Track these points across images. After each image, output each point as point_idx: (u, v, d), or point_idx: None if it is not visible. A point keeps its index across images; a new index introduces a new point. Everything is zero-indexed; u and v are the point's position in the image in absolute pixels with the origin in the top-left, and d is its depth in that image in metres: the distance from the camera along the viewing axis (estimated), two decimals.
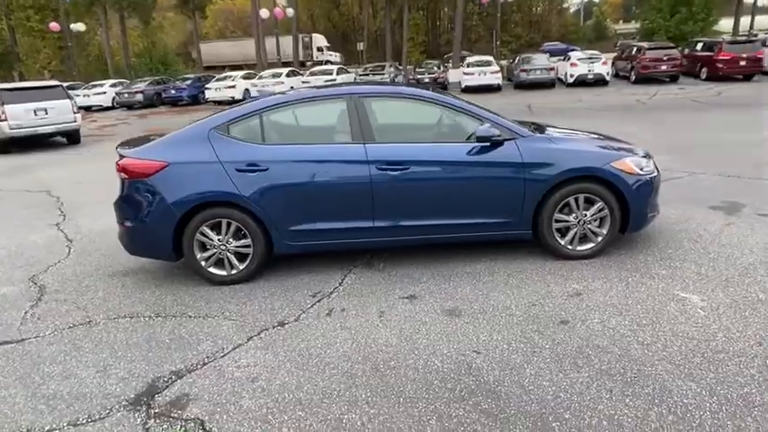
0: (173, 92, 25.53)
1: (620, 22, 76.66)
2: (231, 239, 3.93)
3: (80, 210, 6.57)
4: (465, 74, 22.98)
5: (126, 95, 25.40)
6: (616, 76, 23.35)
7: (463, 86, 22.66)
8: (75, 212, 6.46)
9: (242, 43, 46.51)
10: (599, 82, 21.55)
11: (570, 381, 2.52)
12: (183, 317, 3.54)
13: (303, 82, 23.91)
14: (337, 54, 49.57)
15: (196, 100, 25.43)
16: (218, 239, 3.92)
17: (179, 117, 19.43)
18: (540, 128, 4.38)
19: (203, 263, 3.97)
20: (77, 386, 2.78)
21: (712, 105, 14.03)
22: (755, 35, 25.17)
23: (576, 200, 3.91)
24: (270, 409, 2.49)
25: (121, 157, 3.96)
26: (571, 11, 68.13)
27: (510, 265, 3.99)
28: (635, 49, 22.30)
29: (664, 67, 20.45)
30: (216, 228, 3.91)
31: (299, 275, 4.08)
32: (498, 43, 39.46)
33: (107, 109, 25.68)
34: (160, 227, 3.88)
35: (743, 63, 19.45)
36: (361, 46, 47.86)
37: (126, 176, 3.90)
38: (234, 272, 4.00)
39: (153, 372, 2.88)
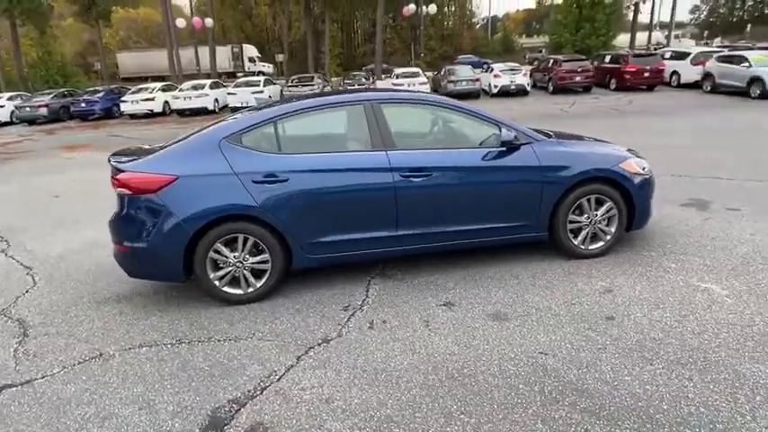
0: (83, 105, 23.49)
1: (524, 36, 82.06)
2: (247, 255, 3.68)
3: (23, 233, 5.85)
4: (395, 84, 23.34)
5: (28, 109, 23.04)
6: (534, 86, 24.84)
7: None
8: (18, 236, 5.74)
9: (158, 54, 44.34)
10: (520, 92, 22.82)
11: (649, 373, 2.60)
12: (210, 341, 3.25)
13: (229, 93, 23.09)
14: (270, 65, 48.64)
15: (110, 113, 23.60)
16: (234, 256, 3.65)
17: (94, 131, 18.01)
18: (544, 133, 4.54)
19: (217, 282, 3.68)
20: (125, 427, 2.44)
21: (628, 113, 15.31)
22: (656, 49, 27.81)
23: (589, 200, 4.08)
24: (362, 429, 2.34)
25: (119, 170, 3.58)
26: (478, 26, 71.83)
27: (529, 267, 4.07)
28: (551, 61, 23.89)
29: (578, 79, 22.04)
30: (230, 244, 3.64)
31: (317, 290, 3.90)
32: (414, 56, 40.68)
33: (5, 124, 23.17)
34: (169, 246, 3.55)
35: (647, 74, 21.48)
36: (280, 57, 47.28)
37: (129, 192, 3.53)
38: (251, 290, 3.74)
39: (208, 402, 2.61)
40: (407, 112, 4.09)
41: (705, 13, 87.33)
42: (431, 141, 4.08)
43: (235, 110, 21.39)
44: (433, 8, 32.67)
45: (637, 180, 4.14)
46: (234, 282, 3.72)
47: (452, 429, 2.31)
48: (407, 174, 3.74)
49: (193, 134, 3.94)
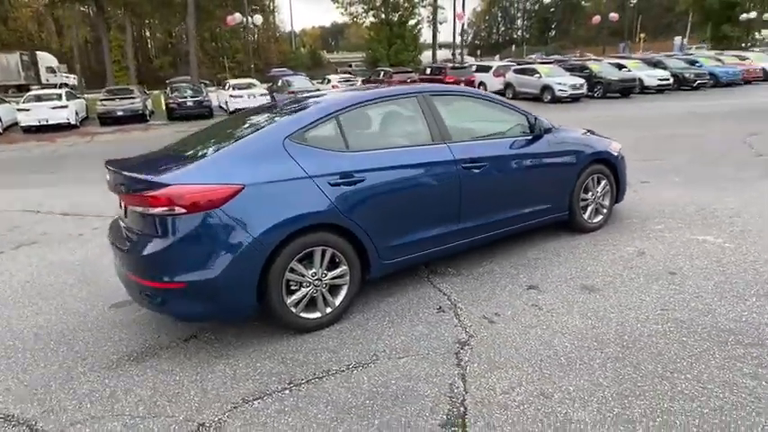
0: None
1: (325, 51, 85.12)
2: (325, 271, 3.22)
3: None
4: (232, 96, 22.15)
5: None
6: None
7: (232, 109, 21.83)
8: None
9: None
10: None
11: (752, 305, 3.09)
12: (333, 374, 2.77)
13: (19, 110, 19.03)
14: (74, 76, 41.25)
15: None
16: (311, 274, 3.16)
17: None
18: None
19: (293, 309, 3.13)
20: None
21: None
22: (467, 63, 31.30)
23: (593, 179, 4.56)
24: (601, 405, 2.28)
25: (159, 185, 2.80)
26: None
27: (554, 246, 4.36)
28: (382, 73, 25.37)
29: None
30: (304, 260, 3.14)
31: (377, 300, 3.58)
32: (228, 69, 39.16)
33: None
34: (243, 272, 2.92)
35: (463, 84, 24.28)
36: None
37: (182, 209, 2.78)
38: (329, 311, 3.28)
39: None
40: (452, 104, 4.03)
41: (471, 35, 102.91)
42: (476, 132, 4.07)
43: (27, 130, 17.81)
44: (258, 18, 31.84)
45: (619, 160, 4.76)
46: (310, 304, 3.21)
47: (679, 385, 2.41)
48: (468, 165, 3.70)
49: (240, 134, 3.31)
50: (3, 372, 3.01)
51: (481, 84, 25.66)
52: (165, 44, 57.86)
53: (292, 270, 3.08)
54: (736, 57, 25.19)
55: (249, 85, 22.93)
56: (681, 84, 22.24)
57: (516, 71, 23.44)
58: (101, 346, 3.25)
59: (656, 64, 23.53)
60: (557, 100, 20.43)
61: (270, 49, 61.34)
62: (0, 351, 3.25)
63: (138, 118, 20.19)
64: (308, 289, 3.16)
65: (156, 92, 28.05)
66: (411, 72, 25.14)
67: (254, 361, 2.95)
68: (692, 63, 23.63)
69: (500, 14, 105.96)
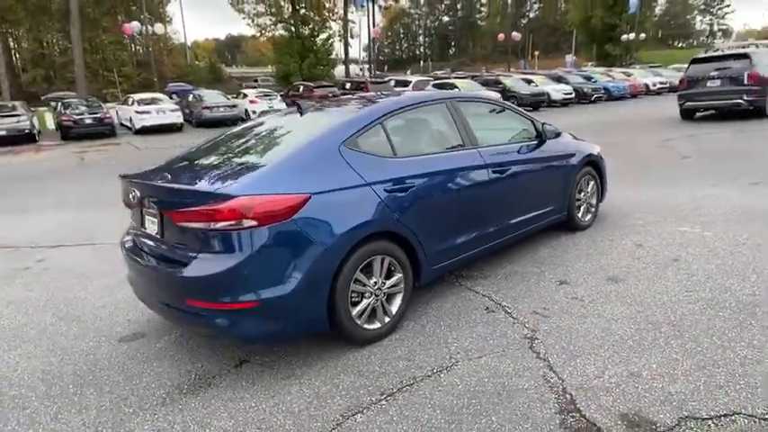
0: None
1: (224, 65, 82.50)
2: (384, 280, 3.19)
3: None
4: (138, 112, 20.80)
5: None
6: None
7: (138, 127, 20.51)
8: None
9: None
10: None
11: (753, 281, 3.54)
12: (424, 380, 2.75)
13: None
14: None
15: None
16: (372, 283, 3.12)
17: None
18: None
19: (358, 320, 3.07)
20: None
21: None
22: (387, 78, 31.79)
23: (585, 180, 4.92)
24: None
25: (225, 196, 2.64)
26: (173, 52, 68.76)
27: (559, 244, 4.65)
28: (301, 87, 25.17)
29: None
30: (365, 270, 3.10)
31: (424, 312, 3.60)
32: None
33: None
34: (316, 284, 2.83)
35: None
36: None
37: (254, 223, 2.64)
38: (387, 321, 3.25)
39: (552, 420, 2.31)
40: (472, 109, 4.14)
41: (375, 51, 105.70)
42: (494, 137, 4.22)
43: None
44: (160, 28, 30.16)
45: (602, 161, 5.19)
46: (371, 315, 3.16)
47: (741, 352, 2.70)
48: (496, 169, 3.86)
49: (286, 141, 3.22)
50: (29, 425, 2.63)
51: None
52: (35, 56, 52.34)
53: (356, 281, 3.02)
54: (623, 73, 28.19)
55: (154, 100, 21.63)
56: (581, 98, 24.45)
57: (435, 86, 24.39)
58: (137, 383, 2.96)
59: (558, 79, 25.65)
60: None
61: (163, 61, 57.98)
62: (8, 402, 2.84)
63: (25, 138, 18.37)
64: (370, 299, 3.11)
65: (41, 108, 25.52)
66: (332, 86, 25.20)
67: (329, 378, 2.84)
68: (589, 79, 26.07)
69: (402, 31, 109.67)
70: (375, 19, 39.54)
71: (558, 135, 4.53)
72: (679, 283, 3.64)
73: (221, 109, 22.10)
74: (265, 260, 2.67)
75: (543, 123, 4.47)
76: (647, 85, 27.05)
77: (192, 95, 23.87)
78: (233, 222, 2.62)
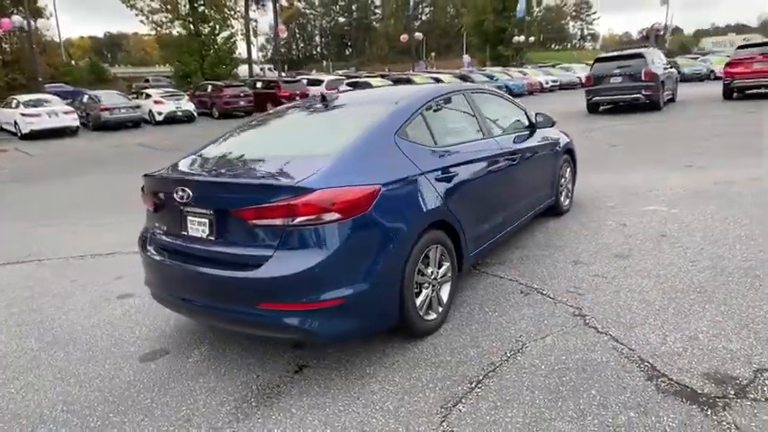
0: None
1: (108, 65, 75.96)
2: (438, 270, 3.19)
3: None
4: (25, 115, 18.58)
5: None
6: None
7: (26, 131, 18.36)
8: None
9: None
10: (188, 118, 22.02)
11: (731, 246, 4.02)
12: (514, 357, 2.79)
13: None
14: None
15: None
16: (430, 273, 3.10)
17: None
18: None
19: (421, 312, 3.03)
20: None
21: None
22: (299, 77, 30.88)
23: (564, 166, 5.24)
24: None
25: (305, 189, 2.48)
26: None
27: (552, 227, 4.92)
28: (210, 87, 23.90)
29: (242, 103, 22.99)
30: (423, 260, 3.07)
31: (461, 300, 3.64)
32: None
33: None
34: (392, 277, 2.77)
35: (297, 98, 24.30)
36: None
37: (336, 216, 2.51)
38: (440, 310, 3.24)
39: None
40: (481, 100, 4.19)
41: (271, 51, 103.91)
42: (501, 126, 4.31)
43: None
44: (43, 22, 26.96)
45: (574, 148, 5.56)
46: (429, 306, 3.13)
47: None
48: (508, 157, 4.00)
49: (335, 131, 3.10)
50: None
51: None
52: None
53: (418, 272, 2.97)
54: (520, 72, 30.27)
55: (42, 102, 19.37)
56: None
57: (350, 84, 24.41)
58: (192, 402, 2.69)
59: (464, 78, 26.86)
60: None
61: (35, 61, 51.80)
62: None
63: None
64: (428, 290, 3.08)
65: None
66: (243, 86, 24.24)
67: (406, 373, 2.78)
68: (491, 77, 27.62)
69: (297, 31, 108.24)
70: (278, 17, 38.47)
71: (553, 124, 4.79)
72: (679, 255, 4.02)
73: (122, 110, 20.40)
74: (347, 254, 2.55)
75: (536, 113, 4.70)
76: (541, 83, 29.27)
77: (87, 96, 21.73)
78: (313, 216, 2.47)
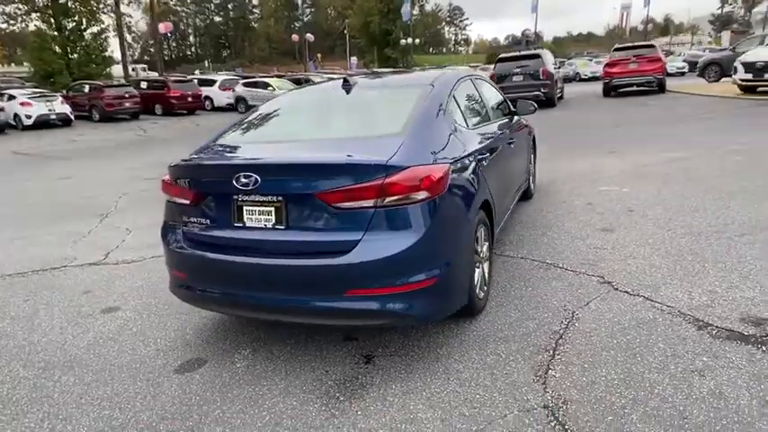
0: None
1: None
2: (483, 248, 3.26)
3: None
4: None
5: None
6: None
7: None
8: None
9: None
10: (64, 122, 19.68)
11: (694, 208, 4.60)
12: (572, 325, 2.93)
13: None
14: None
15: None
16: (479, 250, 3.17)
17: None
18: None
19: (477, 290, 3.08)
20: None
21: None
22: (190, 77, 28.73)
23: (531, 153, 5.59)
24: None
25: (395, 168, 2.41)
26: None
27: (524, 211, 5.23)
28: (88, 87, 21.52)
29: (128, 105, 21.04)
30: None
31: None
32: None
33: None
34: (468, 256, 2.79)
35: (190, 99, 22.87)
36: None
37: (425, 195, 2.47)
38: (486, 289, 3.31)
39: None
40: (482, 87, 4.29)
41: (139, 50, 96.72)
42: (496, 111, 4.42)
43: None
44: None
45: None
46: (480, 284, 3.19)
47: None
48: (508, 141, 4.19)
49: (383, 112, 3.12)
50: None
51: (207, 98, 24.72)
52: None
53: (474, 251, 3.02)
54: None
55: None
56: None
57: (247, 84, 23.52)
58: (269, 405, 2.50)
59: None
60: None
61: None
62: None
63: None
64: (479, 269, 3.14)
65: None
66: (128, 86, 22.18)
67: (479, 350, 2.81)
68: None
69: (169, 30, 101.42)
70: (154, 12, 35.67)
71: (535, 110, 5.07)
72: (656, 225, 4.50)
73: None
74: (436, 234, 2.50)
75: (518, 101, 4.96)
76: None
77: None
78: (404, 196, 2.40)
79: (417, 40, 49.32)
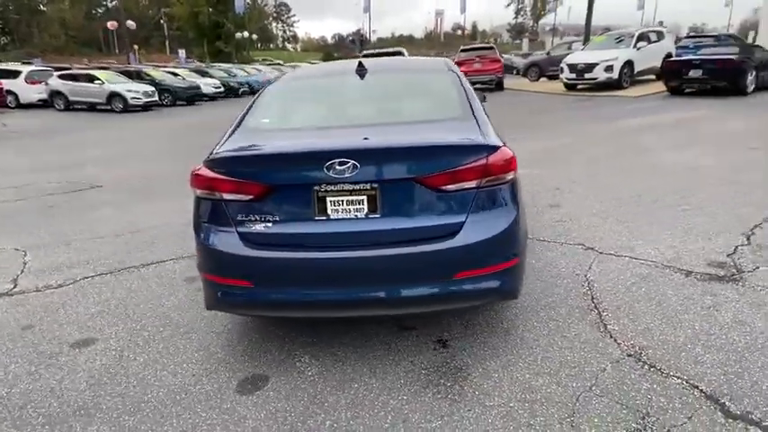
0: None
1: None
2: None
3: None
4: None
5: None
6: None
7: None
8: None
9: None
10: None
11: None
12: (596, 282, 3.30)
13: None
14: None
15: None
16: None
17: None
18: None
19: None
20: None
21: (13, 138, 13.44)
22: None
23: None
24: None
25: (492, 147, 2.48)
26: None
27: None
28: None
29: None
30: None
31: None
32: None
33: None
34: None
35: None
36: None
37: (513, 174, 2.57)
38: None
39: None
40: None
41: None
42: None
43: None
44: None
45: None
46: None
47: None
48: None
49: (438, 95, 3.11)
50: None
51: (10, 93, 20.78)
52: None
53: None
54: (255, 69, 30.22)
55: None
56: (228, 92, 25.04)
57: (65, 77, 20.30)
58: (377, 407, 2.37)
59: (203, 74, 25.42)
60: (129, 109, 19.25)
61: None
62: None
63: None
64: None
65: None
66: None
67: (539, 322, 3.01)
68: (229, 73, 26.84)
69: None
70: None
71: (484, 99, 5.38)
72: (593, 198, 5.19)
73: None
74: (520, 212, 2.61)
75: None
76: None
77: None
78: (501, 175, 2.47)
79: (255, 35, 47.46)
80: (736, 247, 3.82)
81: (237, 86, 25.58)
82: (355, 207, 2.38)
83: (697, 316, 2.91)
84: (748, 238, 3.95)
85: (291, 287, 2.46)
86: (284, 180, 2.40)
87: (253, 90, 26.53)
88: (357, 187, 2.36)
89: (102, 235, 4.97)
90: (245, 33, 42.28)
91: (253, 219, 2.44)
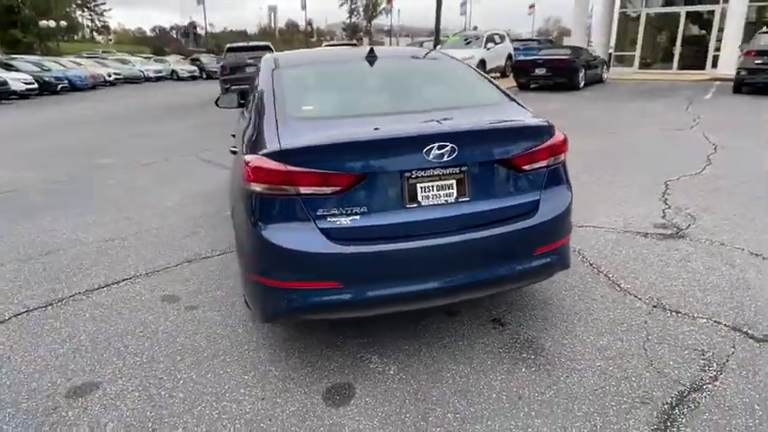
0: None
1: None
2: None
3: None
4: None
5: None
6: None
7: None
8: None
9: None
10: None
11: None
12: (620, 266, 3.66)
13: None
14: None
15: None
16: None
17: None
18: None
19: None
20: None
21: None
22: None
23: None
24: None
25: (553, 129, 2.62)
26: None
27: None
28: None
29: None
30: None
31: None
32: None
33: None
34: None
35: None
36: None
37: (565, 154, 2.73)
38: None
39: None
40: None
41: None
42: None
43: None
44: None
45: None
46: None
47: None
48: None
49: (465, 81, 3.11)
50: None
51: None
52: None
53: None
54: (73, 63, 26.24)
55: None
56: (43, 88, 21.41)
57: None
58: (479, 399, 2.40)
59: (7, 66, 21.29)
60: None
61: None
62: None
63: None
64: None
65: None
66: None
67: (575, 302, 3.26)
68: (42, 67, 22.90)
69: None
70: None
71: None
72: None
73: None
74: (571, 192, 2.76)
75: None
76: (104, 76, 26.55)
77: None
78: (559, 155, 2.62)
79: (63, 23, 40.70)
80: (664, 210, 4.54)
81: (55, 82, 21.98)
82: (445, 192, 2.32)
83: (678, 268, 3.43)
84: (666, 203, 4.73)
85: (381, 282, 2.30)
86: (376, 168, 2.23)
87: (74, 86, 23.06)
88: (447, 171, 2.30)
89: (2, 262, 3.98)
90: (51, 22, 36.14)
91: (337, 212, 2.22)
